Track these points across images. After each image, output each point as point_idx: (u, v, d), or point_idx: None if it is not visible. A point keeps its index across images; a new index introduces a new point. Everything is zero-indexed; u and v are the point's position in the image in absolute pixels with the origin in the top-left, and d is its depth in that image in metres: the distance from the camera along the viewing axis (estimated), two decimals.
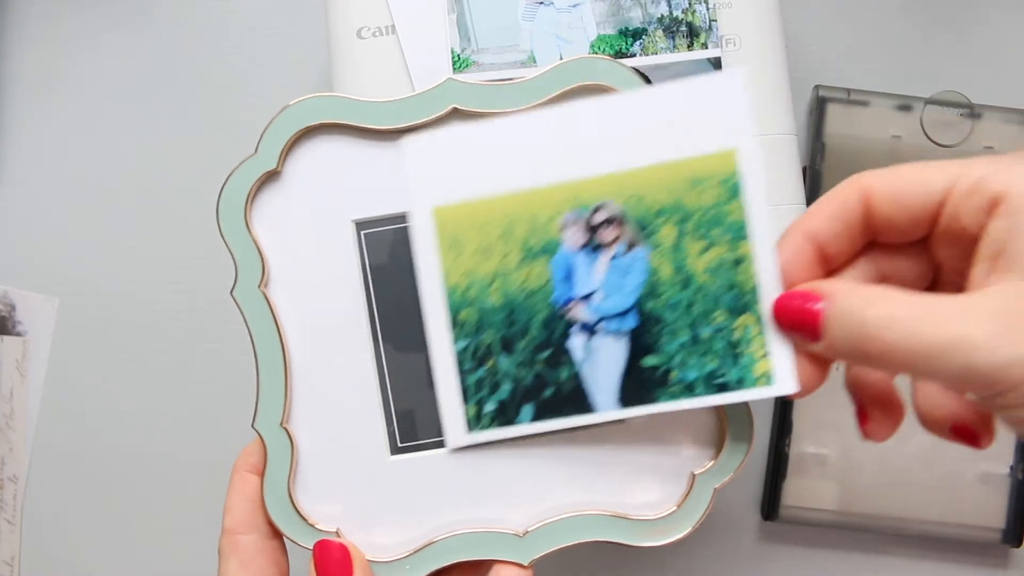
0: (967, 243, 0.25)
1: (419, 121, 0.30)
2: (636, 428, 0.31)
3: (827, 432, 0.43)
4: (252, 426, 0.30)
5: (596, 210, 0.29)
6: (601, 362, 0.29)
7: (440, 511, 0.31)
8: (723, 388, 0.28)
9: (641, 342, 0.29)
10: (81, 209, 0.47)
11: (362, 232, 0.31)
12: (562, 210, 0.29)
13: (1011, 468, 0.43)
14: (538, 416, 0.29)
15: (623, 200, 0.28)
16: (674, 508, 0.30)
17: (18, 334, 0.47)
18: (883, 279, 0.27)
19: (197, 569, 0.46)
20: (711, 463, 0.30)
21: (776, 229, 0.28)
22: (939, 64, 0.46)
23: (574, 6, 0.37)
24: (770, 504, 0.44)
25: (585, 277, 0.29)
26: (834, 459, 0.43)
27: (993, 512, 0.43)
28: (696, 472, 0.30)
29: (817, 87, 0.44)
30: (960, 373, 0.22)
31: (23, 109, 0.47)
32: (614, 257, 0.29)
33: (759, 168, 0.28)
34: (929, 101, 0.44)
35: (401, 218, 0.30)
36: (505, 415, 0.29)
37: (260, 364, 0.30)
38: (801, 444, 0.43)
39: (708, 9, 0.37)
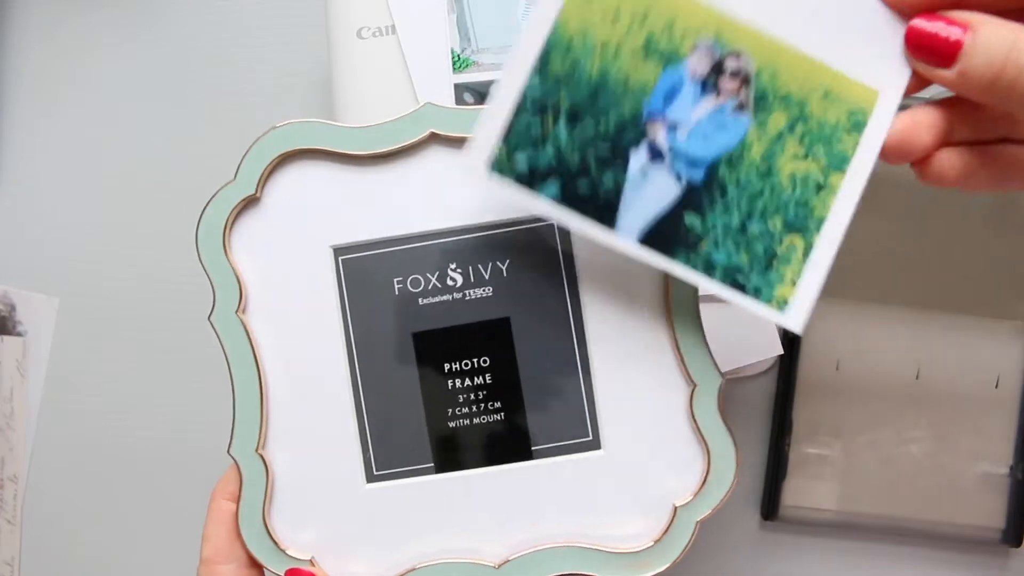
0: None
1: (397, 146, 0.30)
2: (616, 457, 0.31)
3: (827, 431, 0.43)
4: (228, 452, 0.30)
5: (732, 55, 0.27)
6: (648, 191, 0.27)
7: (416, 540, 0.31)
8: (737, 287, 0.27)
9: (693, 198, 0.27)
10: (81, 209, 0.47)
11: (340, 258, 0.31)
12: (702, 33, 0.26)
13: (1010, 468, 0.43)
14: (561, 198, 0.27)
15: (759, 64, 0.27)
16: (654, 541, 0.30)
17: (18, 334, 0.47)
18: None
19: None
20: (693, 495, 0.30)
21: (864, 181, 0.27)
22: None
23: None
24: (770, 504, 0.44)
25: (684, 106, 0.27)
26: (834, 459, 0.43)
27: (992, 512, 0.43)
28: (678, 504, 0.30)
29: None
30: None
31: (24, 109, 0.47)
32: (720, 108, 0.27)
33: (888, 121, 0.27)
34: (929, 101, 0.44)
35: (379, 244, 0.30)
36: (531, 178, 0.27)
37: (236, 390, 0.30)
38: (801, 444, 0.43)
39: None
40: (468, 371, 0.31)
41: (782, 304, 0.27)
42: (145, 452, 0.46)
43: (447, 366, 0.31)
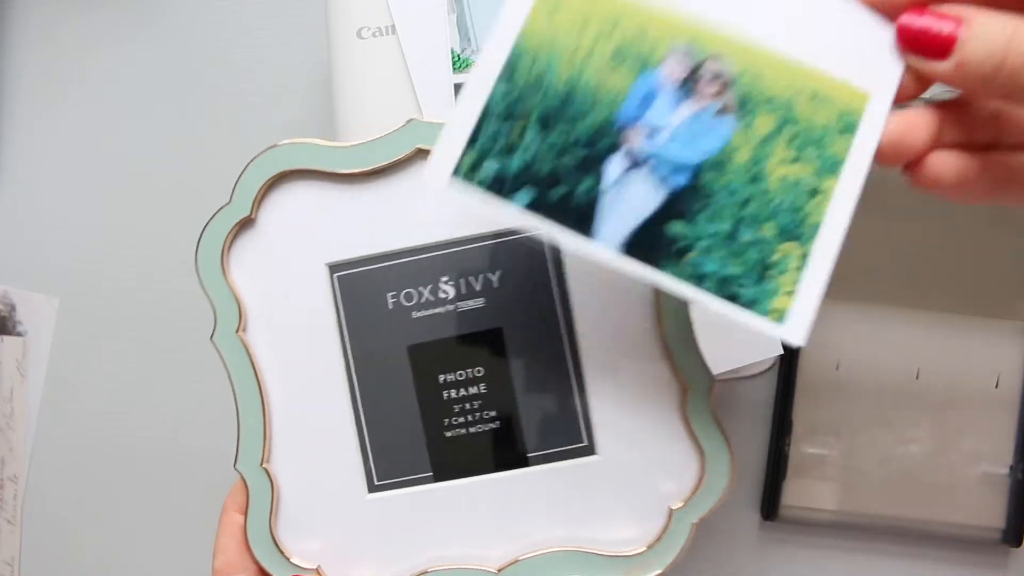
0: None
1: (385, 163, 0.31)
2: (612, 462, 0.31)
3: (827, 431, 0.43)
4: (234, 467, 0.31)
5: (710, 59, 0.26)
6: (628, 198, 0.26)
7: (418, 548, 0.31)
8: (731, 298, 0.26)
9: (677, 205, 0.26)
10: (81, 209, 0.47)
11: (335, 275, 0.31)
12: (676, 40, 0.25)
13: (1010, 468, 0.43)
14: (534, 206, 0.25)
15: (740, 67, 0.26)
16: (649, 545, 0.30)
17: (18, 334, 0.47)
18: None
19: (197, 568, 0.46)
20: (689, 498, 0.30)
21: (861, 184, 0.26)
22: None
23: None
24: (770, 504, 0.44)
25: (663, 110, 0.26)
26: (834, 459, 0.43)
27: (993, 512, 0.43)
28: (673, 507, 0.30)
29: None
30: None
31: (24, 109, 0.47)
32: (702, 111, 0.26)
33: (881, 122, 0.26)
34: (927, 101, 0.44)
35: (373, 259, 0.31)
36: (501, 185, 0.25)
37: (240, 406, 0.31)
38: (801, 444, 0.43)
39: None
40: (463, 381, 0.31)
41: (780, 316, 0.26)
42: (145, 452, 0.46)
43: (442, 377, 0.31)
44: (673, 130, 0.26)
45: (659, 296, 0.30)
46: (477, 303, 0.31)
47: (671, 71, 0.26)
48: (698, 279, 0.26)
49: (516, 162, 0.26)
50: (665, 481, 0.31)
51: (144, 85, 0.47)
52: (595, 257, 0.26)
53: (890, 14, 0.26)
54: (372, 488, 0.31)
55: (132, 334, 0.47)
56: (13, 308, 0.47)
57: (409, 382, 0.31)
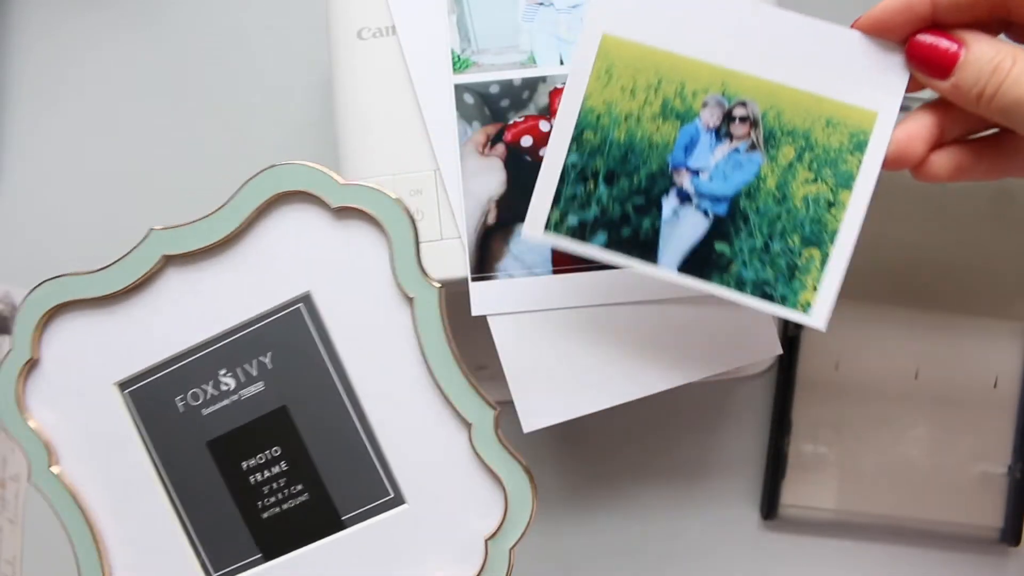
0: None
1: (138, 279, 0.32)
2: (421, 507, 0.33)
3: (826, 431, 0.44)
4: None
5: (739, 104, 0.31)
6: (681, 228, 0.32)
7: None
8: (767, 297, 0.31)
9: (721, 229, 0.31)
10: (82, 209, 0.47)
11: (126, 391, 0.33)
12: (709, 89, 0.31)
13: (1008, 468, 0.43)
14: (609, 245, 0.32)
15: (764, 107, 0.31)
16: None
17: None
18: None
19: None
20: (499, 527, 0.32)
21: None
22: None
23: (574, 7, 0.37)
24: (769, 503, 0.44)
25: (703, 154, 0.31)
26: (833, 458, 0.44)
27: (991, 511, 0.43)
28: (487, 538, 0.32)
29: None
30: None
31: (25, 109, 0.47)
32: (735, 150, 0.31)
33: (887, 137, 0.30)
34: (921, 106, 0.44)
35: (155, 369, 0.33)
36: (582, 232, 0.32)
37: (72, 537, 0.32)
38: (800, 444, 0.44)
39: None
40: (264, 464, 0.33)
41: (806, 307, 0.31)
42: None
43: (245, 464, 0.33)
44: (712, 170, 0.31)
45: (422, 341, 0.32)
46: (258, 387, 0.32)
47: (708, 119, 0.31)
48: (740, 285, 0.32)
49: (591, 213, 0.32)
50: (475, 515, 0.32)
51: (145, 86, 0.47)
52: (659, 277, 0.32)
53: (890, 37, 0.30)
54: None
55: None
56: (14, 308, 0.47)
57: (216, 475, 0.33)
